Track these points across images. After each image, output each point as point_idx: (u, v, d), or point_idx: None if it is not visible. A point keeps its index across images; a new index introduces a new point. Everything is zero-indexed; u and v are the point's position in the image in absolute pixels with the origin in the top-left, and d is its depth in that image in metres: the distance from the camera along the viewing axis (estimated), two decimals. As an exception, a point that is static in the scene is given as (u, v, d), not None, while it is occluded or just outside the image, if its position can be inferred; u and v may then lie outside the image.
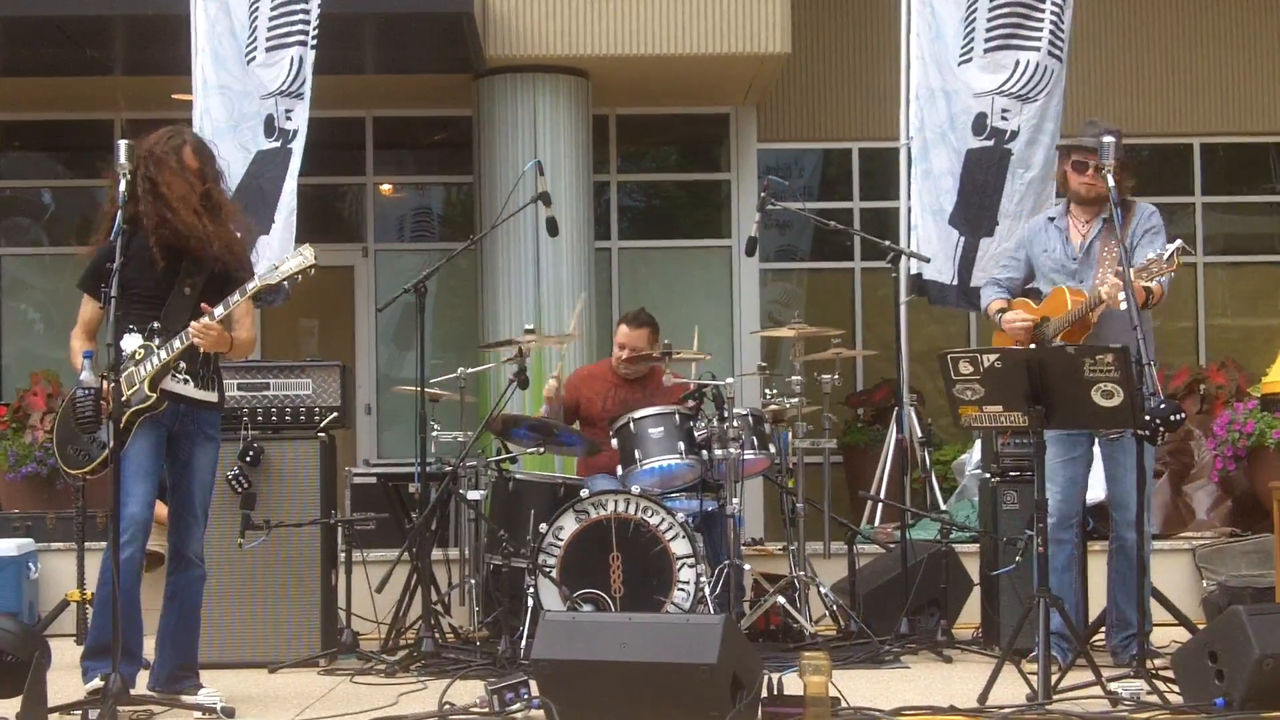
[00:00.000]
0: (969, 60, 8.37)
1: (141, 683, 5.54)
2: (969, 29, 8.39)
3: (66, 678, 5.58)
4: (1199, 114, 12.08)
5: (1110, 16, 11.88)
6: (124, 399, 5.38)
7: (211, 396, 5.69)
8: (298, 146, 8.04)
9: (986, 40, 8.32)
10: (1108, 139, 5.92)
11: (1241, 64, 12.06)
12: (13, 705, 4.97)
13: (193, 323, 5.43)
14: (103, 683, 5.16)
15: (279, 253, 7.40)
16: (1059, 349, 5.61)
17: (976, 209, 8.40)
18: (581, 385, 7.86)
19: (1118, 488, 6.20)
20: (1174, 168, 12.29)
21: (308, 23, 7.97)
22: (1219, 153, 12.36)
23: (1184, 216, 12.28)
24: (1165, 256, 5.73)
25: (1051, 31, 8.29)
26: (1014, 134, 8.41)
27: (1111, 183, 5.88)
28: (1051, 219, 6.54)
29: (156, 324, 5.52)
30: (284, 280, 5.62)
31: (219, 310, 5.45)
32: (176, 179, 5.54)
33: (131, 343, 5.49)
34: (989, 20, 8.29)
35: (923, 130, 8.51)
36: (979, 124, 8.33)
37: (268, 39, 7.96)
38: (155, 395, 5.45)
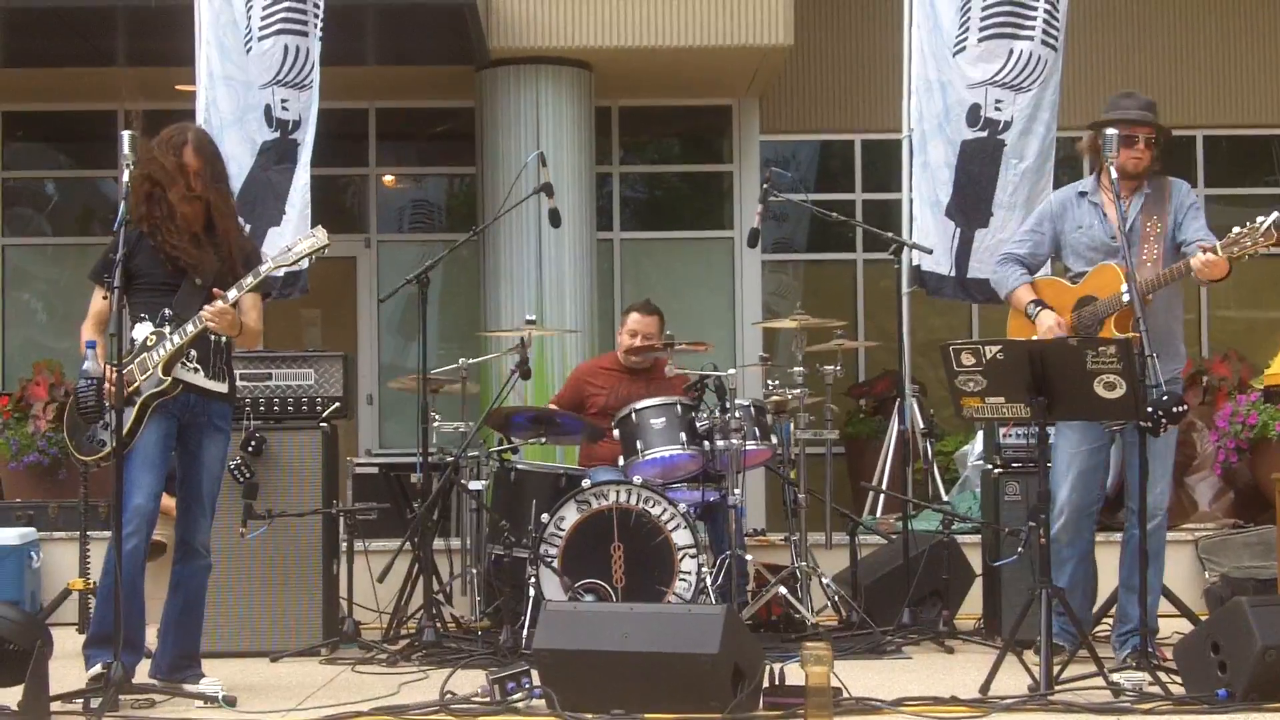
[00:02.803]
0: (963, 50, 8.36)
1: (143, 672, 5.54)
2: (964, 19, 8.38)
3: (68, 666, 5.59)
4: (1201, 106, 12.07)
5: (1111, 7, 11.88)
6: (136, 385, 5.39)
7: (222, 387, 5.69)
8: (303, 137, 8.02)
9: (981, 30, 8.31)
10: (1111, 131, 5.91)
11: (1243, 56, 12.05)
12: (15, 693, 4.98)
13: (206, 307, 5.44)
14: (104, 670, 5.17)
15: (292, 244, 7.43)
16: (1060, 341, 5.60)
17: (971, 200, 8.40)
18: (589, 379, 7.82)
19: (1132, 478, 6.01)
20: (1176, 160, 12.19)
21: (301, 11, 7.95)
22: (1221, 145, 12.35)
23: (1186, 209, 12.27)
24: (1262, 228, 5.54)
25: (1045, 20, 8.28)
26: (1007, 124, 8.40)
27: (1115, 174, 5.87)
28: (1083, 193, 6.19)
29: (168, 311, 5.53)
30: (298, 262, 5.64)
31: (232, 293, 5.46)
32: (175, 184, 5.52)
33: (143, 330, 5.51)
34: (983, 9, 8.28)
35: (921, 122, 8.51)
36: (973, 115, 8.32)
37: (260, 27, 7.96)
38: (169, 380, 5.46)
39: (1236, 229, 5.67)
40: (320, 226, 5.72)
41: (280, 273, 7.21)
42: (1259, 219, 5.62)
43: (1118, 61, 11.87)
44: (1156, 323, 5.82)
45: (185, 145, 5.57)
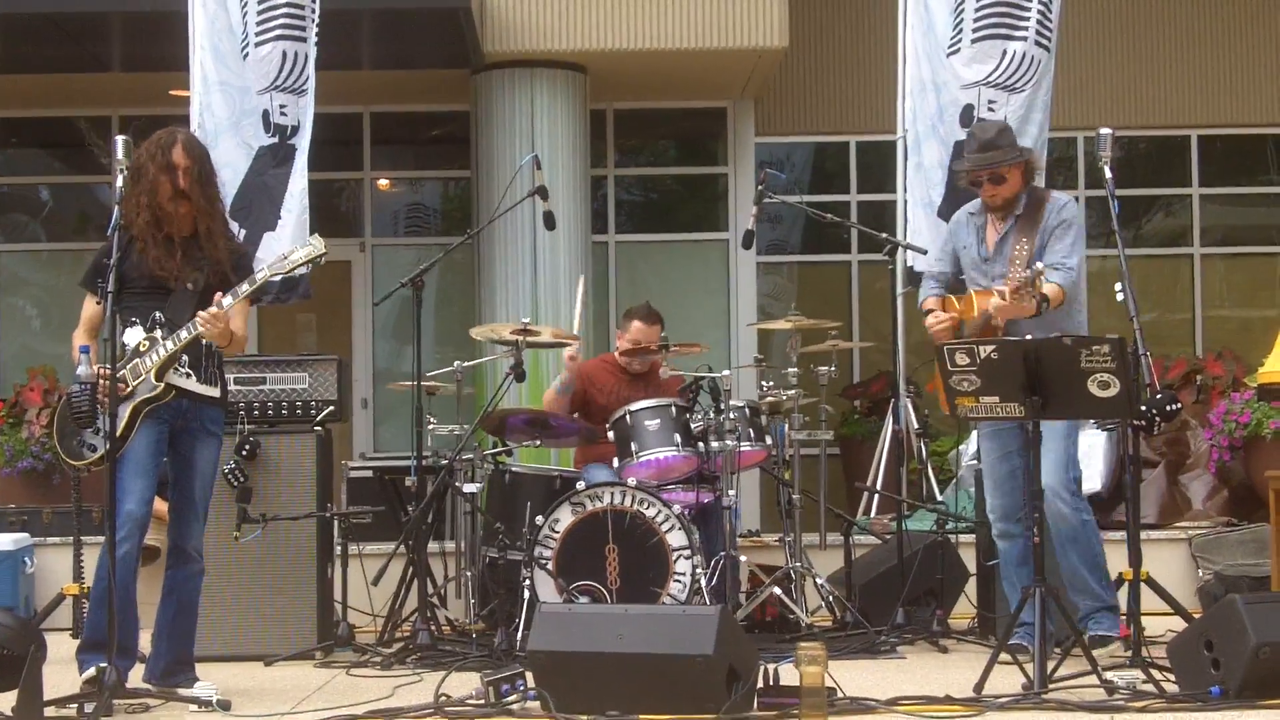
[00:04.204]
0: (957, 51, 8.36)
1: (137, 677, 5.54)
2: (958, 20, 8.39)
3: (62, 671, 5.59)
4: (1196, 105, 12.08)
5: (1107, 8, 11.89)
6: (130, 390, 5.39)
7: (214, 392, 5.69)
8: (300, 142, 8.02)
9: (974, 30, 8.31)
10: (1105, 131, 5.95)
11: (1239, 55, 12.06)
12: (8, 699, 4.97)
13: (200, 312, 5.43)
14: (98, 675, 5.16)
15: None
16: (1054, 339, 5.60)
17: (964, 201, 8.38)
18: (592, 375, 7.81)
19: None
20: (1171, 159, 12.30)
21: (298, 16, 7.94)
22: (1216, 144, 12.36)
23: (1181, 208, 12.30)
24: (1030, 278, 5.65)
25: (1039, 21, 8.28)
26: None
27: (1109, 174, 5.90)
28: (971, 214, 6.45)
29: (160, 316, 5.53)
30: (296, 269, 5.65)
31: (227, 300, 5.45)
32: (163, 184, 5.51)
33: (135, 336, 5.50)
34: (977, 10, 8.28)
35: (915, 123, 8.51)
36: (966, 115, 8.31)
37: (256, 33, 7.95)
38: (162, 385, 5.46)
39: (1023, 274, 5.75)
40: (317, 235, 5.73)
41: (277, 278, 7.25)
42: (1036, 266, 5.72)
43: (1111, 62, 11.88)
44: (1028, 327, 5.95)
45: (174, 144, 5.57)
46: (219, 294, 5.46)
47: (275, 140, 8.03)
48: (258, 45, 7.98)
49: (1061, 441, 6.01)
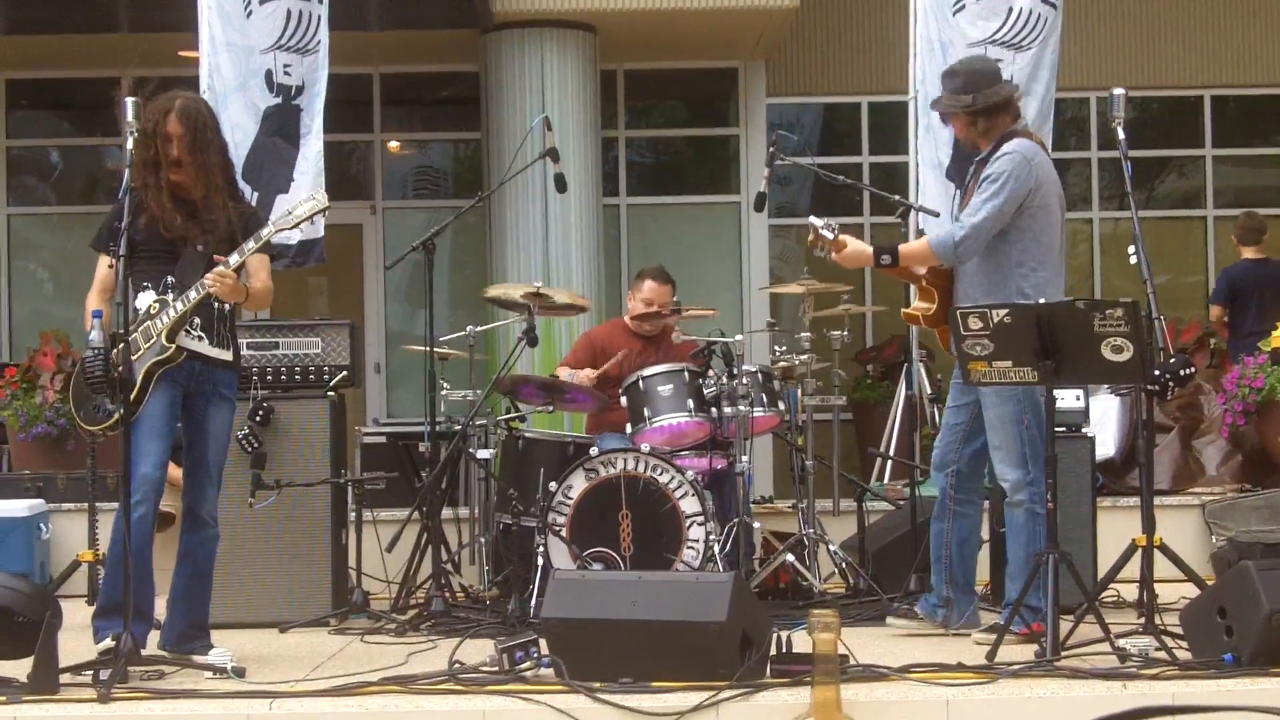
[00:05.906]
0: (963, 8, 8.29)
1: (152, 643, 5.56)
2: (964, -25, 8.32)
3: (78, 638, 5.61)
4: (1209, 66, 12.01)
5: (1121, -32, 11.83)
6: (140, 353, 5.39)
7: (227, 355, 5.69)
8: (309, 104, 7.97)
9: None
10: (1118, 92, 5.92)
11: (1252, 15, 11.99)
12: (24, 665, 4.99)
13: (208, 273, 5.43)
14: (114, 643, 5.18)
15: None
16: (1067, 304, 5.57)
17: (970, 162, 8.34)
18: (603, 344, 7.79)
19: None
20: (1184, 120, 12.24)
21: None
22: (1229, 105, 12.30)
23: (1194, 169, 12.25)
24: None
25: None
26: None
27: (1122, 135, 5.87)
28: None
29: (170, 279, 5.52)
30: (299, 225, 5.64)
31: (234, 258, 5.45)
32: (162, 151, 5.51)
33: (146, 299, 5.51)
34: None
35: (924, 83, 8.45)
36: None
37: None
38: (173, 347, 5.46)
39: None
40: (321, 189, 5.71)
41: (294, 240, 7.21)
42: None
43: (1123, 21, 11.81)
44: (964, 283, 5.94)
45: (169, 112, 5.55)
46: (217, 256, 5.45)
47: (279, 100, 7.97)
48: (261, 3, 7.93)
49: (1010, 433, 5.85)
